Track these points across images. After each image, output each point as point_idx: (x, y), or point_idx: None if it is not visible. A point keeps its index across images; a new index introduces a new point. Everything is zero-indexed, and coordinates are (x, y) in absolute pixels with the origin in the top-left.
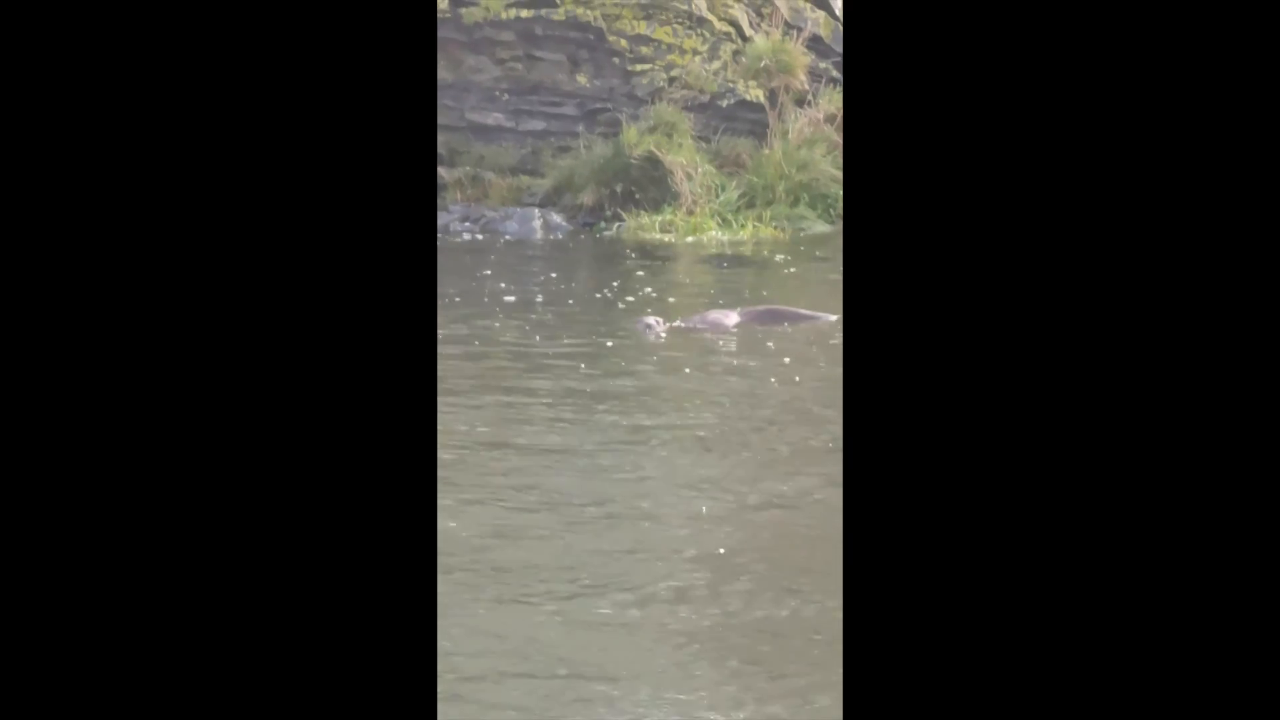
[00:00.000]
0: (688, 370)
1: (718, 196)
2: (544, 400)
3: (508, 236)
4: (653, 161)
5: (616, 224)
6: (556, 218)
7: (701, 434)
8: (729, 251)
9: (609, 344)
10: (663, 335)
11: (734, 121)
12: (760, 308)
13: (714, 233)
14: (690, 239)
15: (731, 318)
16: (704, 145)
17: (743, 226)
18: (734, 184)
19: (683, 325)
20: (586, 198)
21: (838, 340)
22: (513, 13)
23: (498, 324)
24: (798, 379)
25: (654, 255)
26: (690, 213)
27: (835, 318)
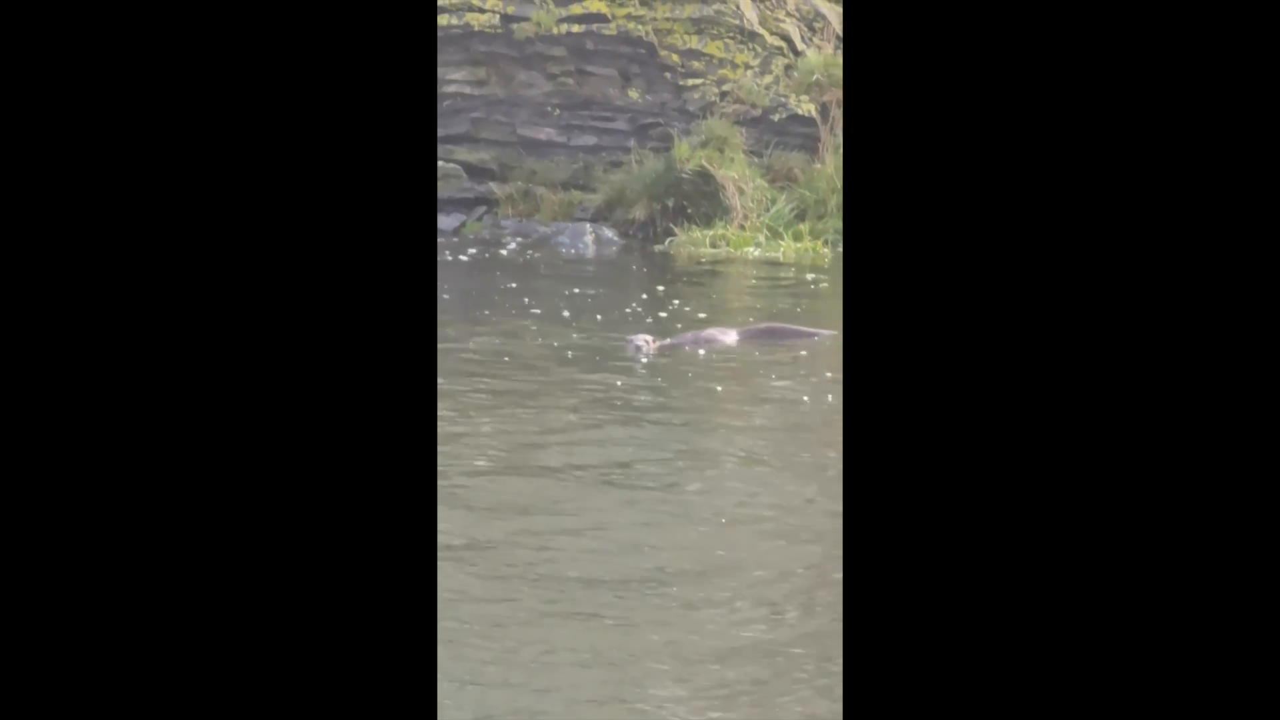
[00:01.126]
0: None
1: (769, 210)
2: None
3: (560, 251)
4: (704, 176)
5: (668, 238)
6: (608, 232)
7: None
8: (772, 267)
9: (579, 366)
10: (652, 354)
11: (785, 136)
12: (759, 325)
13: (751, 249)
14: (725, 253)
15: (730, 335)
16: (756, 160)
17: (786, 242)
18: (785, 198)
19: (673, 344)
20: (638, 212)
21: (824, 360)
22: (564, 28)
23: (497, 340)
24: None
25: (696, 270)
26: (742, 227)
27: (835, 334)
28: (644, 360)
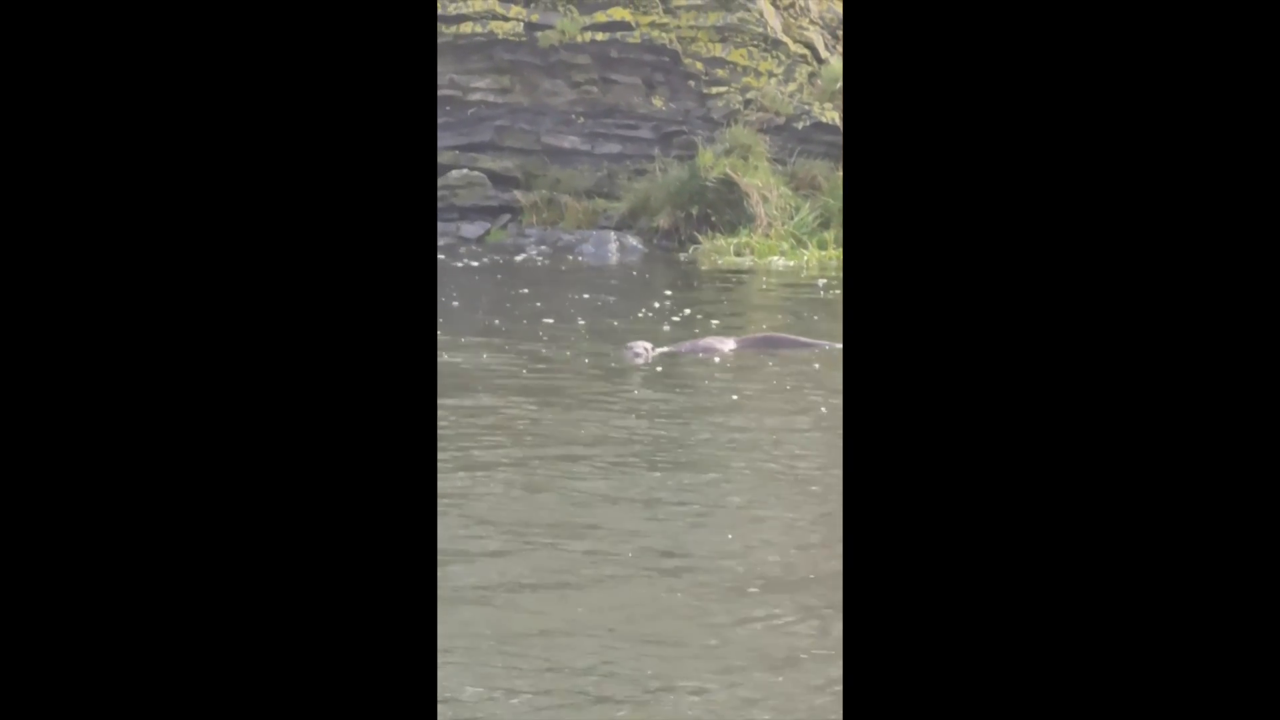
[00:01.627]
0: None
1: (793, 219)
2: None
3: (583, 259)
4: (728, 184)
5: (692, 246)
6: (632, 240)
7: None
8: (795, 275)
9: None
10: (650, 361)
11: (809, 144)
12: (758, 334)
13: (776, 257)
14: (749, 261)
15: (727, 344)
16: (780, 167)
17: (810, 250)
18: (809, 206)
19: (672, 351)
20: (662, 220)
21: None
22: (588, 36)
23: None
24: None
25: (719, 278)
26: (766, 235)
27: (834, 345)
28: (640, 366)
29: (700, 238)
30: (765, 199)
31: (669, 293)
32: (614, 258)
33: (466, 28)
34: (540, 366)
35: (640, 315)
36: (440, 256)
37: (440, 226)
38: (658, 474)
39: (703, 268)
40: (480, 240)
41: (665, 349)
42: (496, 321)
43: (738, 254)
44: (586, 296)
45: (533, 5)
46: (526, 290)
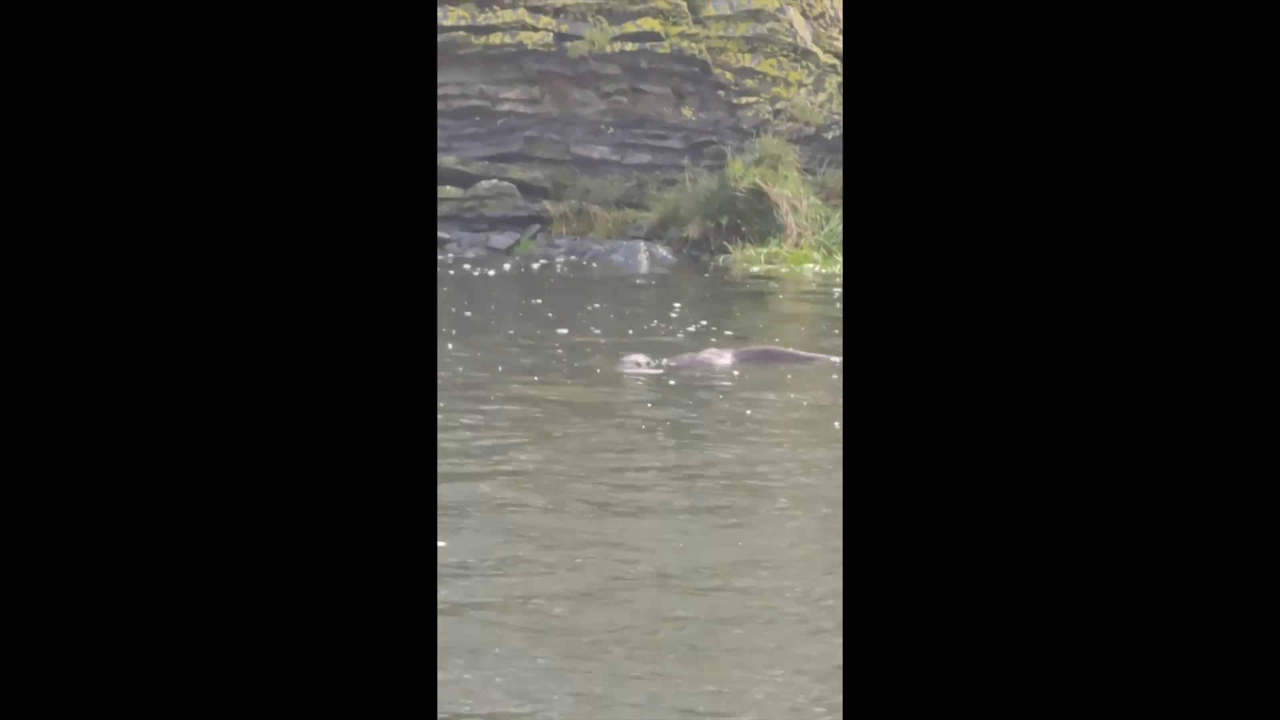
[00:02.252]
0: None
1: (823, 228)
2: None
3: (615, 268)
4: (758, 194)
5: (721, 256)
6: (662, 250)
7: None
8: (820, 286)
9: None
10: (647, 376)
11: (839, 153)
12: (756, 348)
13: (810, 265)
14: (778, 271)
15: (725, 357)
16: (809, 177)
17: (839, 261)
18: (839, 216)
19: (670, 365)
20: (692, 230)
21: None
22: (618, 46)
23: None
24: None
25: (741, 290)
26: (796, 245)
27: (835, 359)
28: (639, 381)
29: (730, 248)
30: (795, 209)
31: (678, 304)
32: (644, 268)
33: (496, 38)
34: (531, 386)
35: (653, 325)
36: (464, 265)
37: (469, 237)
38: (689, 482)
39: (732, 278)
40: (510, 250)
41: (662, 364)
42: (511, 331)
43: (768, 264)
44: (599, 306)
45: (562, 16)
46: (540, 300)
